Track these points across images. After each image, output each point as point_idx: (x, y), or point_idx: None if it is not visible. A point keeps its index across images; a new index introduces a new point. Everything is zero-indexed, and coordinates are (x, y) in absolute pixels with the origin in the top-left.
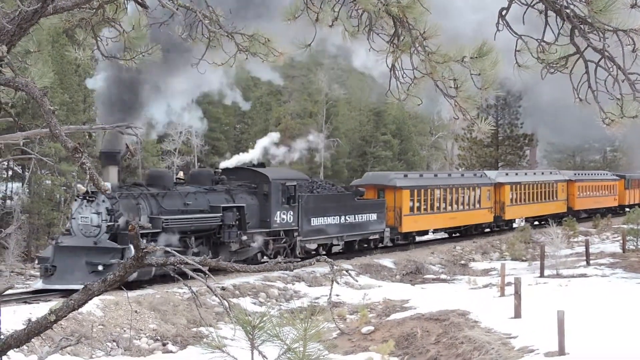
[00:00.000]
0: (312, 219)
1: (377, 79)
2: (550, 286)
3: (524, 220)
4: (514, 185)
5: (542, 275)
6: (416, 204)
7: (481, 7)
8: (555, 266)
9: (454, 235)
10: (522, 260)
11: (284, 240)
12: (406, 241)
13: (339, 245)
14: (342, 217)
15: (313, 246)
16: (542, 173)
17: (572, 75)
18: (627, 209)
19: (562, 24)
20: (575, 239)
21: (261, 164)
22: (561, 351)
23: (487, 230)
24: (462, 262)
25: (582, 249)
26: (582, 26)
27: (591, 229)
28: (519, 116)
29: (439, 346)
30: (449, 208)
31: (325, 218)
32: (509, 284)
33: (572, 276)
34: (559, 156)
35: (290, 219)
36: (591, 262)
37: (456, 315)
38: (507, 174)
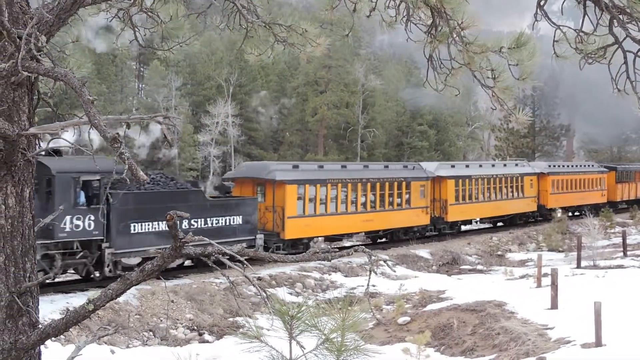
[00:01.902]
0: (132, 225)
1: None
2: (587, 277)
3: (478, 222)
4: (460, 179)
5: (578, 266)
6: (308, 204)
7: None
8: (592, 257)
9: (379, 241)
10: (559, 251)
11: (81, 254)
12: (295, 250)
13: None
14: (186, 221)
15: (134, 261)
16: (505, 165)
17: (610, 65)
18: (620, 206)
19: (601, 14)
20: (612, 230)
21: (55, 151)
22: (598, 343)
23: (430, 234)
24: (499, 252)
25: (619, 240)
26: (620, 16)
27: (628, 220)
28: (555, 106)
29: (475, 337)
30: (361, 208)
31: (156, 223)
32: (545, 274)
33: (609, 267)
34: (596, 147)
35: (91, 226)
36: (628, 253)
37: (492, 306)
38: (452, 166)
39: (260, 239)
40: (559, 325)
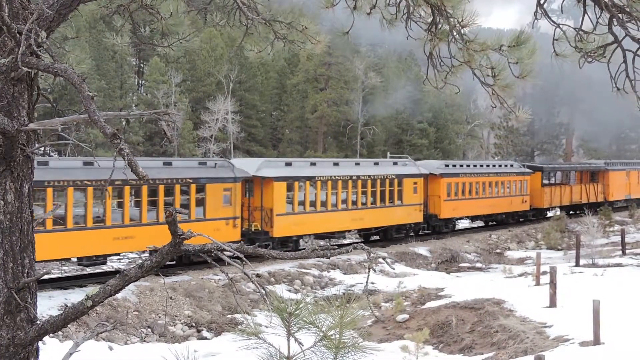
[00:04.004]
0: None
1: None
2: (585, 275)
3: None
4: (295, 182)
5: (577, 264)
6: None
7: None
8: (590, 255)
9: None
10: (558, 249)
11: None
12: None
13: None
14: None
15: None
16: (376, 164)
17: (609, 64)
18: (548, 214)
19: (600, 13)
20: (611, 229)
21: None
22: (596, 341)
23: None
24: (498, 250)
25: (617, 239)
26: (620, 15)
27: (627, 218)
28: (555, 105)
29: (473, 335)
30: (116, 221)
31: None
32: (544, 273)
33: (608, 265)
34: (595, 145)
35: None
36: (627, 251)
37: (491, 304)
38: (288, 164)
39: None
40: (557, 324)
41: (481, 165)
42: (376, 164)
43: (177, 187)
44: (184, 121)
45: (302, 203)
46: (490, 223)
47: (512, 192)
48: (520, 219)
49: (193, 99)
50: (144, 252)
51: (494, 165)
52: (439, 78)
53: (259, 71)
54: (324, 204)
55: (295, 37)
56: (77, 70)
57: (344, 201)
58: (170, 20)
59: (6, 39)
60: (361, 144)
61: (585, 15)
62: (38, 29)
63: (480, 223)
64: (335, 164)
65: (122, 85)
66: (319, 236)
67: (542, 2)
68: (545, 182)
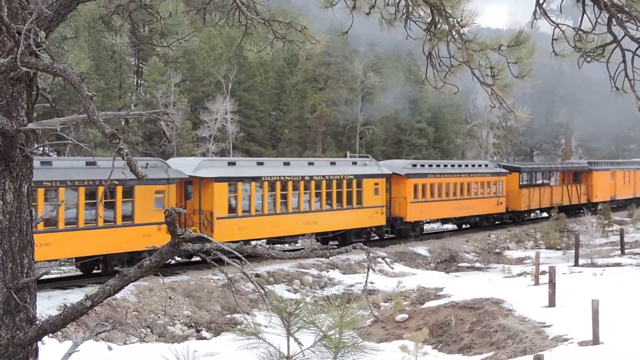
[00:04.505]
0: None
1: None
2: (584, 275)
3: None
4: (239, 182)
5: (576, 264)
6: None
7: None
8: (589, 255)
9: None
10: (557, 249)
11: None
12: None
13: None
14: None
15: None
16: (333, 164)
17: (609, 64)
18: (527, 217)
19: (600, 13)
20: (610, 228)
21: None
22: (595, 341)
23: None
24: (497, 250)
25: (616, 238)
26: (619, 15)
27: (626, 218)
28: (554, 105)
29: (473, 334)
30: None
31: None
32: (543, 272)
33: (607, 265)
34: (595, 145)
35: None
36: (626, 251)
37: (490, 304)
38: (231, 164)
39: None
40: (556, 323)
41: (452, 165)
42: (333, 163)
43: (101, 190)
44: (183, 121)
45: (247, 206)
46: (463, 226)
47: (486, 193)
48: (496, 222)
49: (192, 98)
50: (67, 260)
51: (466, 165)
52: (438, 78)
53: (258, 71)
54: (272, 206)
55: (295, 37)
56: (76, 70)
57: (296, 204)
58: (169, 20)
59: (5, 38)
60: (360, 144)
61: (585, 15)
62: (37, 28)
63: (451, 227)
64: (286, 163)
65: (121, 85)
66: (268, 241)
67: (541, 1)
68: (524, 183)
